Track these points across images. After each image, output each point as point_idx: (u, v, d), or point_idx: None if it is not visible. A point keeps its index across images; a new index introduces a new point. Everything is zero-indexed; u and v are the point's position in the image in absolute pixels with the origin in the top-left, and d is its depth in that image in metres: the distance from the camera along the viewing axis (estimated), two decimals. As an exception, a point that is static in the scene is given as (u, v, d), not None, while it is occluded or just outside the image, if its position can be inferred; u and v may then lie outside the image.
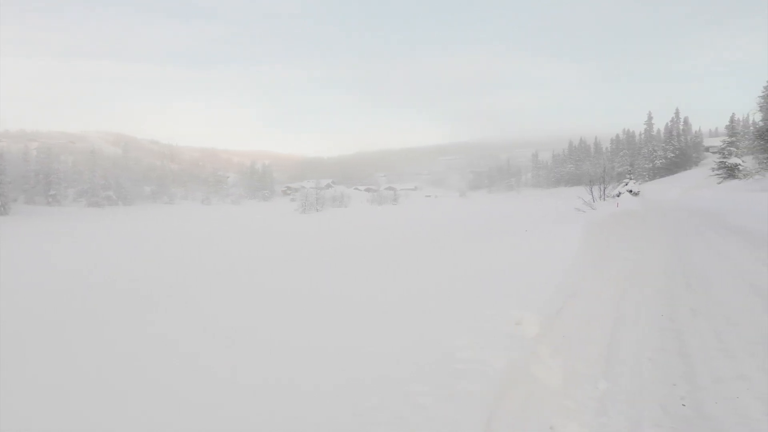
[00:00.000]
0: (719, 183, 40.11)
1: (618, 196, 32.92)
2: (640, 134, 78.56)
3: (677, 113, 71.55)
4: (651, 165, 69.06)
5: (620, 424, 2.79)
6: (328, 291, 6.42)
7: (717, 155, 45.42)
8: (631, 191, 39.74)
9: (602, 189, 31.06)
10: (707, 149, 67.56)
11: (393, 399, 2.73)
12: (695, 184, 43.94)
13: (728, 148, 43.26)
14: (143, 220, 40.35)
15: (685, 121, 72.18)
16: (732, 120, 52.77)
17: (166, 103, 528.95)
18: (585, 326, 4.42)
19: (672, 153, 67.20)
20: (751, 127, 48.08)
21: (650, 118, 75.92)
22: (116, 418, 2.80)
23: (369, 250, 12.92)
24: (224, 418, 2.71)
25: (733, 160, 41.71)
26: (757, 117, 41.62)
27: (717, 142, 55.74)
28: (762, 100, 39.89)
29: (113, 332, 4.89)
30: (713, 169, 43.77)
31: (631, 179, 46.50)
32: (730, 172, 40.91)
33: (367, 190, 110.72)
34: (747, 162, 40.44)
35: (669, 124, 71.85)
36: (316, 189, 67.75)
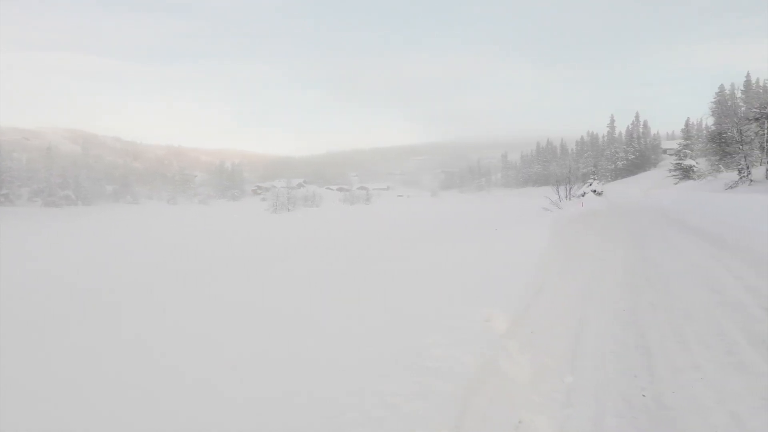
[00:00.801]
0: (676, 183, 42.28)
1: (583, 196, 34.05)
2: (603, 136, 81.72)
3: (637, 117, 74.94)
4: (613, 166, 71.98)
5: (585, 415, 2.89)
6: (298, 292, 6.34)
7: (673, 157, 47.93)
8: (595, 191, 41.21)
9: (568, 189, 32.11)
10: (665, 151, 71.01)
11: (365, 399, 2.72)
12: (654, 185, 46.06)
13: (683, 150, 45.70)
14: (105, 221, 38.69)
15: (645, 125, 75.63)
16: (687, 124, 55.78)
17: (130, 99, 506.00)
18: (552, 322, 4.55)
19: (632, 155, 70.28)
20: (704, 131, 50.94)
21: (612, 121, 79.14)
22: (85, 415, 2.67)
23: (340, 249, 12.85)
24: (191, 422, 2.63)
25: (688, 161, 44.04)
26: (710, 121, 44.22)
27: (673, 145, 58.77)
28: (714, 106, 42.39)
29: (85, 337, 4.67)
30: (670, 171, 46.16)
31: (595, 180, 48.25)
32: (686, 173, 43.21)
33: (340, 189, 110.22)
34: (700, 164, 42.82)
35: (630, 127, 75.13)
36: (287, 188, 66.88)
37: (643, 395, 3.09)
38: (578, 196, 32.98)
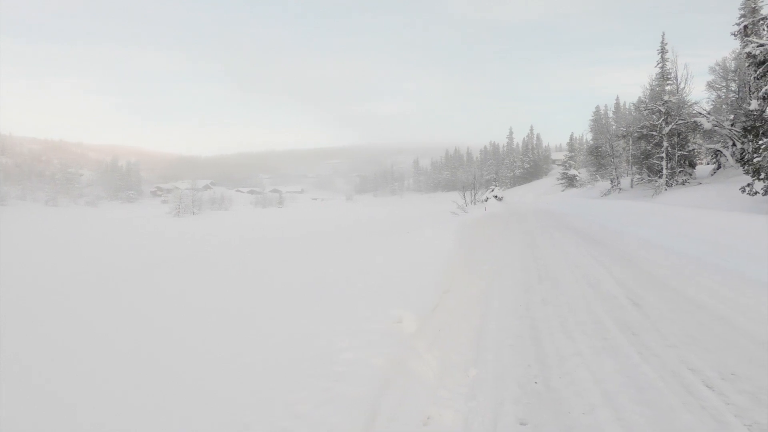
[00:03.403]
0: (563, 190, 47.67)
1: (486, 200, 36.78)
2: (504, 147, 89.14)
3: (532, 130, 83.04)
4: (512, 174, 78.90)
5: (487, 405, 3.09)
6: (201, 297, 5.91)
7: (561, 167, 54.01)
8: (496, 197, 44.76)
9: (473, 194, 34.45)
10: (554, 162, 79.60)
11: (273, 410, 2.61)
12: (545, 191, 51.45)
13: (569, 161, 51.77)
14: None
15: (538, 137, 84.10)
16: (571, 138, 63.23)
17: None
18: (457, 320, 4.81)
19: (528, 164, 77.74)
20: (585, 145, 58.17)
21: (511, 133, 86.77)
22: None
23: (250, 254, 12.28)
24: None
25: (572, 171, 49.94)
26: (589, 137, 50.58)
27: (561, 156, 66.14)
28: (592, 123, 48.57)
29: None
30: (558, 179, 51.94)
31: (496, 186, 52.46)
32: (570, 181, 48.92)
33: (251, 192, 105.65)
34: (582, 173, 48.81)
35: (525, 139, 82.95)
36: (192, 190, 62.23)
37: (536, 382, 3.40)
38: (482, 201, 35.53)
